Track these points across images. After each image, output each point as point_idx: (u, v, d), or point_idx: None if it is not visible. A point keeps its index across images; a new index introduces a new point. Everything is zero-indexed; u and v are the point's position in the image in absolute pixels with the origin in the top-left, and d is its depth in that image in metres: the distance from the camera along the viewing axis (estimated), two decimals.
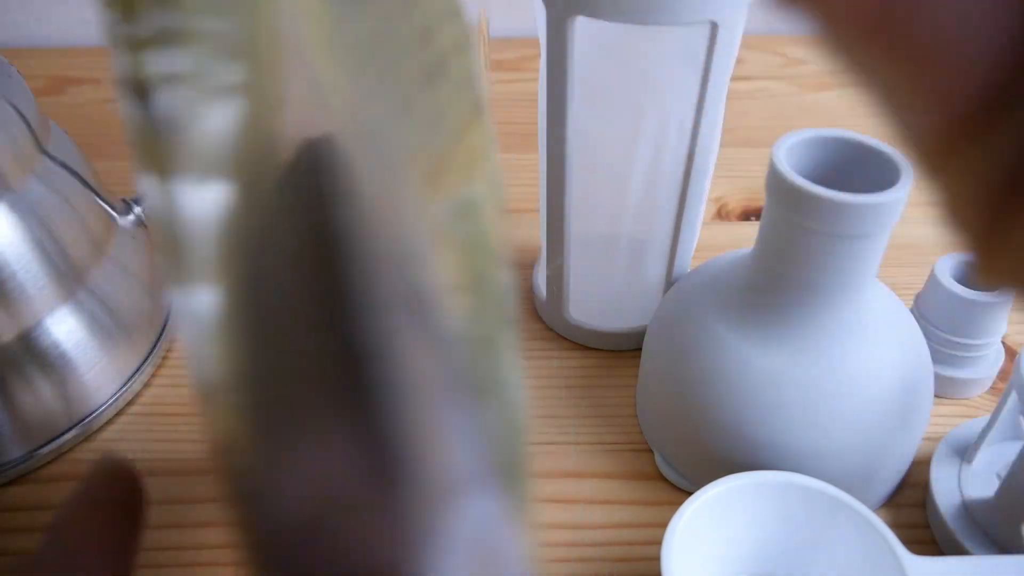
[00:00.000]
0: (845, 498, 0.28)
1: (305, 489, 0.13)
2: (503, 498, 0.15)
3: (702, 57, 0.31)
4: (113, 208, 0.39)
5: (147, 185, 0.11)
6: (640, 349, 0.38)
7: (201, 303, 0.12)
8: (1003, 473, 0.32)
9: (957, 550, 0.31)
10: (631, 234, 0.40)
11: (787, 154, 0.28)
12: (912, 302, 0.39)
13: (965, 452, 0.33)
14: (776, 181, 0.28)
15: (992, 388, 0.39)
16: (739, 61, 0.34)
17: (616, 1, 0.29)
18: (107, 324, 0.37)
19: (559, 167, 0.35)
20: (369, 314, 0.13)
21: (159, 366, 0.40)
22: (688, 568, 0.27)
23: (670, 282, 0.39)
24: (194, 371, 0.12)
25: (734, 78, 0.34)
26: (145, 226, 0.42)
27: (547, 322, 0.42)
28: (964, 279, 0.37)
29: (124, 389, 0.38)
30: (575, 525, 0.33)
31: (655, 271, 0.40)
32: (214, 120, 0.12)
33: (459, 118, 0.14)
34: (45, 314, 0.35)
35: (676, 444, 0.34)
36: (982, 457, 0.33)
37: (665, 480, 0.35)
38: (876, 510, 0.34)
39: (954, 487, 0.32)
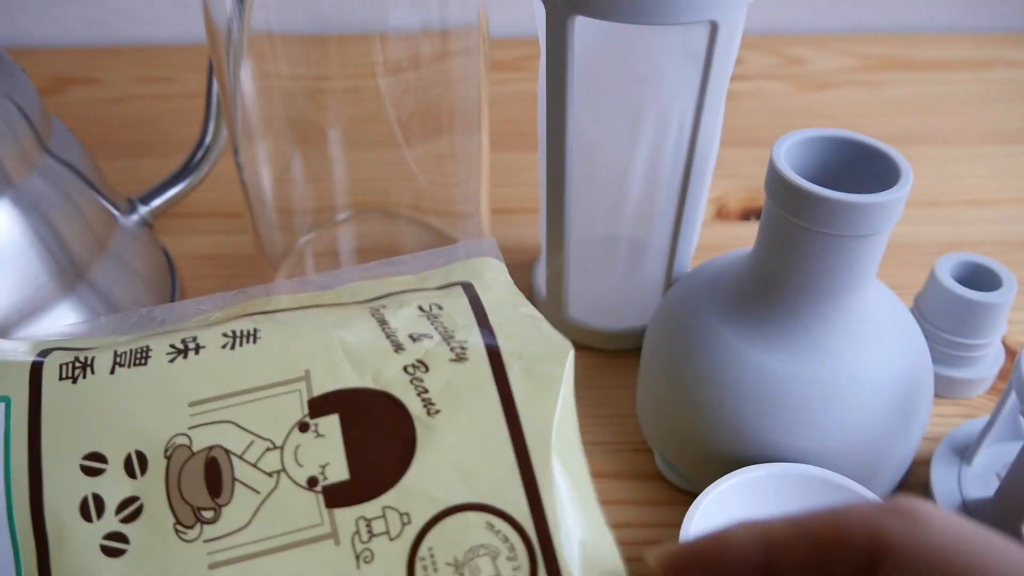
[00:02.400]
0: (866, 493, 0.28)
1: None
2: None
3: (702, 57, 0.31)
4: (116, 206, 0.39)
5: None
6: (640, 349, 0.38)
7: None
8: (1003, 473, 0.32)
9: None
10: (631, 234, 0.40)
11: (787, 154, 0.29)
12: (912, 302, 0.39)
13: (965, 452, 0.33)
14: (776, 181, 0.28)
15: (992, 388, 0.39)
16: (739, 61, 0.34)
17: (616, 1, 0.29)
18: None
19: (559, 167, 0.35)
20: None
21: None
22: None
23: (670, 282, 0.39)
24: None
25: (734, 78, 0.34)
26: (149, 226, 0.42)
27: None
28: (964, 279, 0.37)
29: None
30: None
31: (655, 271, 0.40)
32: None
33: None
34: (45, 309, 0.35)
35: (676, 444, 0.34)
36: (982, 457, 0.33)
37: (665, 480, 0.35)
38: None
39: (954, 487, 0.32)
